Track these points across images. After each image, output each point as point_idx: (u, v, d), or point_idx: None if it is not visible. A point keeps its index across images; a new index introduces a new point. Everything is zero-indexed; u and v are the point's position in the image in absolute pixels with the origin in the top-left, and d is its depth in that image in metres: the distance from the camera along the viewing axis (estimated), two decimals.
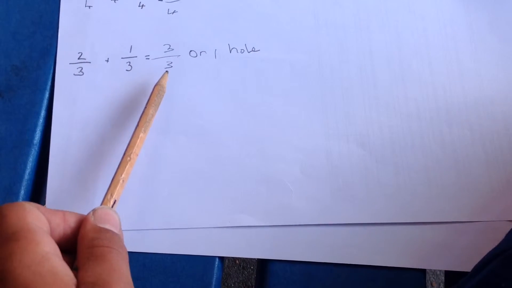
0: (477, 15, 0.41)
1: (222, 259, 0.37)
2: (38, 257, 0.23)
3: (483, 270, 0.29)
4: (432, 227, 0.36)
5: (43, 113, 0.39)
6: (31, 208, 0.25)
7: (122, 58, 0.40)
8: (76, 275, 0.24)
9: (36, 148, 0.38)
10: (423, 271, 0.36)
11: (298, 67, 0.40)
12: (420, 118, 0.39)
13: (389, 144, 0.38)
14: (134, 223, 0.36)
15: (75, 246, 0.27)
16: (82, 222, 0.27)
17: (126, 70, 0.40)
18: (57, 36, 0.41)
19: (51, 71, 0.40)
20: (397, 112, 0.39)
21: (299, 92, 0.39)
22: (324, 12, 0.41)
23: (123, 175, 0.32)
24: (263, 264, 0.37)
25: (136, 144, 0.34)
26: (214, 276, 0.36)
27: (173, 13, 0.41)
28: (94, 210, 0.28)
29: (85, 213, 0.28)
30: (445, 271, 0.37)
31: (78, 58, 0.40)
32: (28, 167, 0.38)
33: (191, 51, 0.40)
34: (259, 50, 0.40)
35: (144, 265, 0.36)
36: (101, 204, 0.31)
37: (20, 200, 0.37)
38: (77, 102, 0.39)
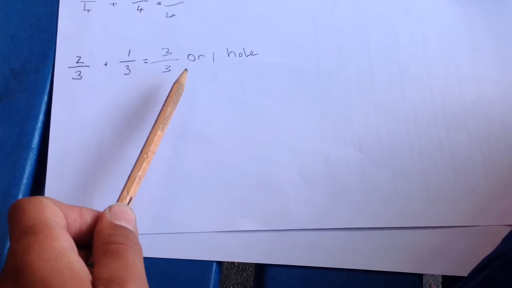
0: (475, 18, 0.41)
1: (219, 263, 0.37)
2: (56, 252, 0.23)
3: (480, 274, 0.29)
4: (429, 231, 0.36)
5: (41, 116, 0.39)
6: (49, 203, 0.26)
7: (120, 62, 0.40)
8: (91, 271, 0.24)
9: (35, 152, 0.38)
10: (420, 275, 0.36)
11: (296, 71, 0.40)
12: (417, 122, 0.39)
13: (387, 148, 0.38)
14: None
15: (90, 242, 0.27)
16: (98, 218, 0.28)
17: (125, 74, 0.40)
18: (56, 40, 0.41)
19: (50, 74, 0.40)
20: (395, 116, 0.39)
21: (297, 95, 0.39)
22: (323, 16, 0.41)
23: (139, 173, 0.32)
24: (260, 269, 0.37)
25: (154, 142, 0.34)
26: (212, 281, 0.36)
27: (171, 16, 0.41)
28: (110, 207, 0.28)
29: None
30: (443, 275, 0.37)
31: (77, 62, 0.40)
32: (26, 171, 0.38)
33: (189, 54, 0.40)
34: (257, 54, 0.40)
35: None
36: (117, 201, 0.31)
37: None
38: (76, 106, 0.39)
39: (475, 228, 0.36)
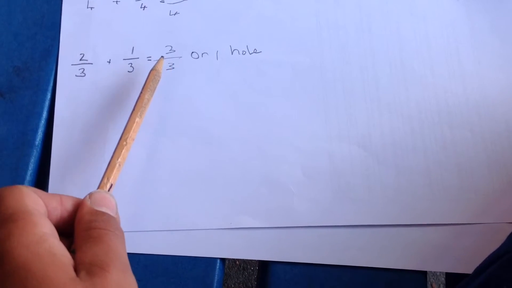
0: (479, 16, 0.41)
1: (223, 260, 0.37)
2: (36, 237, 0.23)
3: (484, 272, 0.29)
4: (433, 229, 0.36)
5: (44, 114, 0.39)
6: (28, 191, 0.26)
7: (124, 59, 0.40)
8: (73, 258, 0.24)
9: (38, 149, 0.38)
10: (424, 273, 0.36)
11: (300, 69, 0.40)
12: (421, 120, 0.39)
13: (390, 146, 0.38)
14: (135, 224, 0.36)
15: (72, 229, 0.27)
16: (79, 205, 0.28)
17: (128, 71, 0.40)
18: (59, 37, 0.41)
19: (53, 72, 0.40)
20: (399, 114, 0.39)
21: (301, 93, 0.39)
22: (326, 14, 0.41)
23: (119, 159, 0.33)
24: (264, 266, 0.37)
25: (132, 129, 0.34)
26: (216, 278, 0.36)
27: (175, 14, 0.41)
28: (90, 194, 0.28)
29: None
30: (446, 273, 0.37)
31: (80, 60, 0.40)
32: (30, 168, 0.38)
33: (192, 52, 0.40)
34: (260, 51, 0.40)
35: (146, 266, 0.36)
36: (98, 188, 0.31)
37: None
38: (79, 103, 0.39)
39: (480, 225, 0.36)
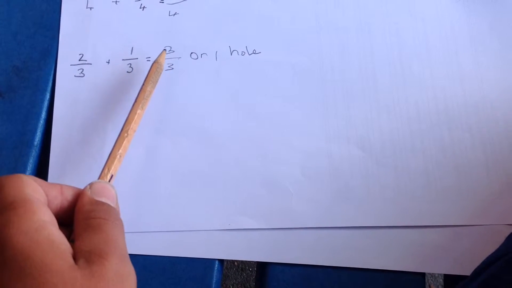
0: (478, 18, 0.41)
1: (221, 261, 0.37)
2: (35, 225, 0.24)
3: (483, 273, 0.29)
4: (431, 231, 0.36)
5: (43, 114, 0.39)
6: (29, 180, 0.26)
7: (123, 59, 0.40)
8: (72, 247, 0.24)
9: (37, 149, 0.38)
10: (422, 275, 0.36)
11: (299, 70, 0.40)
12: (420, 121, 0.39)
13: (389, 147, 0.38)
14: (134, 225, 0.36)
15: (71, 219, 0.27)
16: (79, 195, 0.28)
17: (127, 71, 0.40)
18: (58, 37, 0.41)
19: (52, 72, 0.40)
20: (398, 115, 0.39)
21: (300, 94, 0.39)
22: (325, 15, 0.41)
23: (120, 150, 0.33)
24: (263, 267, 0.37)
25: (134, 120, 0.34)
26: (214, 279, 0.36)
27: (174, 15, 0.41)
28: (91, 184, 0.29)
29: None
30: (444, 274, 0.37)
31: (79, 60, 0.40)
32: (29, 168, 0.38)
33: (192, 53, 0.40)
34: (260, 52, 0.40)
35: (144, 267, 0.36)
36: (98, 178, 0.31)
37: None
38: (78, 104, 0.39)
39: (478, 227, 0.36)
